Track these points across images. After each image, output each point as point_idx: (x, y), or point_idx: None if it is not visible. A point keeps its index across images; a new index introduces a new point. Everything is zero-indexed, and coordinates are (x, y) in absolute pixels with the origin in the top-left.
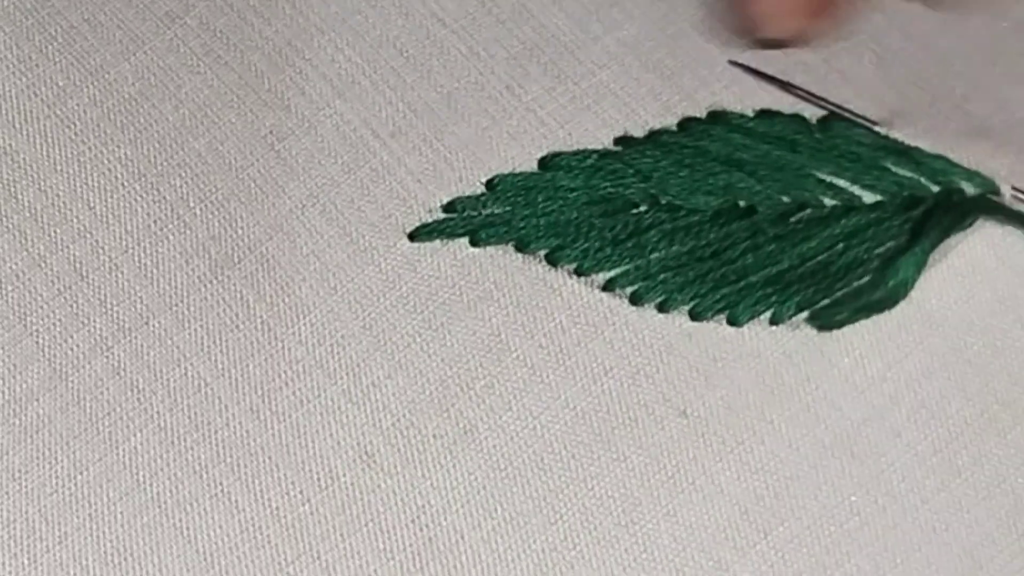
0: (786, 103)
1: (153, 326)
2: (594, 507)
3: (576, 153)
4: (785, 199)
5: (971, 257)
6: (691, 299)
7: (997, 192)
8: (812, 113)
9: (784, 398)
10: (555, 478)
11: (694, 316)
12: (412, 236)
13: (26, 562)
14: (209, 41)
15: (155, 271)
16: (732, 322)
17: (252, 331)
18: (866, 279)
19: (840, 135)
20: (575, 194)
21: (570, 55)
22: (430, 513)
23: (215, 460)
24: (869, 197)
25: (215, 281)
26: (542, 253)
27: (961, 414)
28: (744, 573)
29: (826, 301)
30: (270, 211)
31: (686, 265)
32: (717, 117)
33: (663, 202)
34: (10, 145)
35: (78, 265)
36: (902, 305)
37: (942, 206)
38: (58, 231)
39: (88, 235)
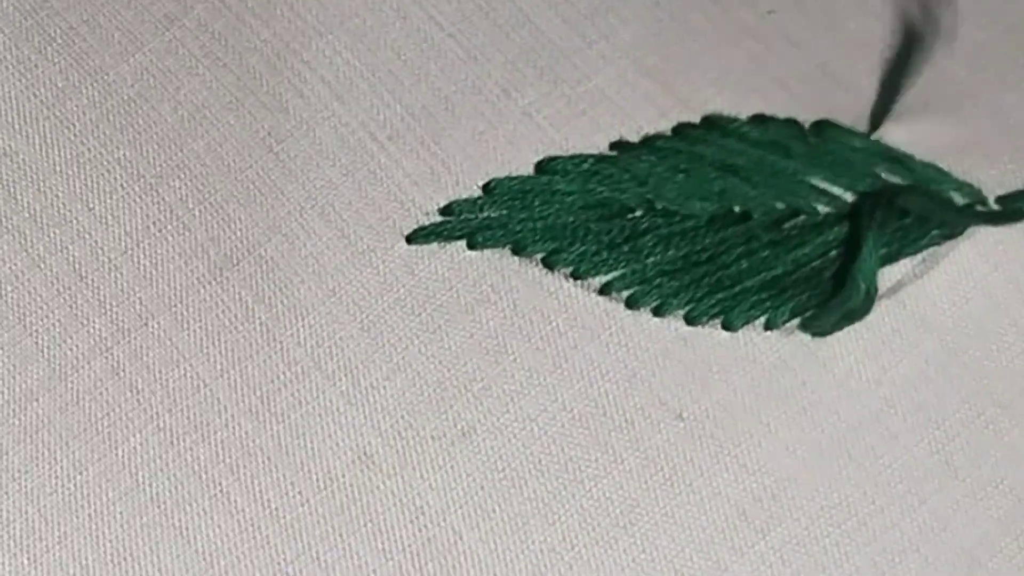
0: (779, 109)
1: (152, 327)
2: (592, 508)
3: (572, 157)
4: (779, 205)
5: (963, 263)
6: (686, 303)
7: (985, 202)
8: (806, 118)
9: (780, 401)
10: (553, 480)
11: (689, 320)
12: (409, 239)
13: (26, 562)
14: (208, 43)
15: (154, 272)
16: (727, 327)
17: (251, 332)
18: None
19: (833, 141)
20: (571, 198)
21: (566, 59)
22: (428, 514)
23: (214, 460)
24: None
25: (214, 282)
26: (539, 256)
27: (958, 416)
28: (742, 574)
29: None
30: (268, 213)
31: (681, 270)
32: (712, 123)
33: (659, 207)
34: (9, 146)
35: (77, 266)
36: (895, 310)
37: (881, 204)
38: (57, 232)
39: (87, 236)
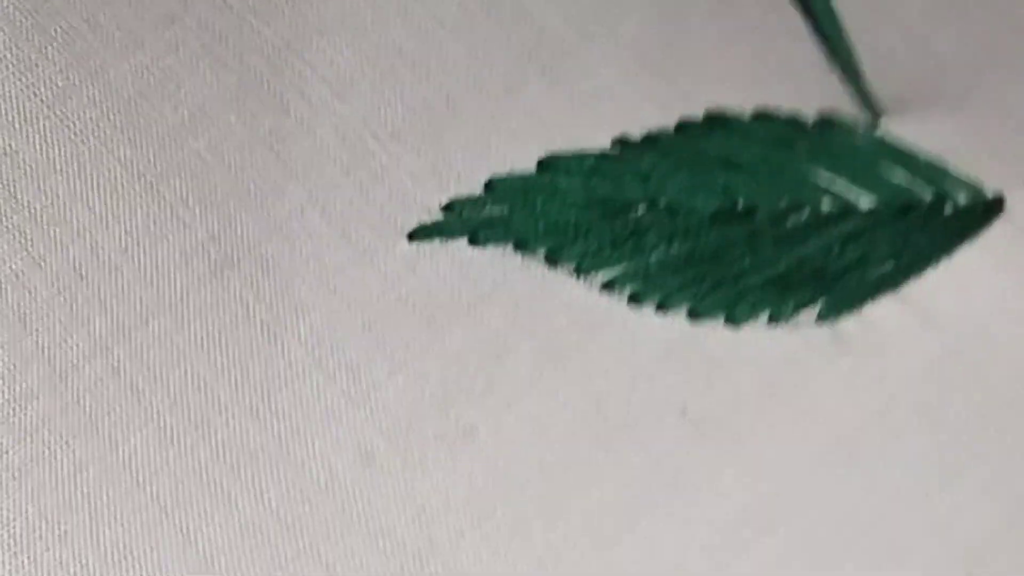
0: (783, 104)
1: (153, 326)
2: (594, 507)
3: (574, 154)
4: (783, 200)
5: (968, 261)
6: (690, 300)
7: (989, 200)
8: (809, 113)
9: (784, 398)
10: (555, 478)
11: (693, 316)
12: (411, 237)
13: (26, 561)
14: (208, 42)
15: (154, 272)
16: (730, 322)
17: (252, 331)
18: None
19: (837, 136)
20: (574, 195)
21: (568, 56)
22: (430, 513)
23: (215, 460)
24: (865, 200)
25: (215, 281)
26: (541, 253)
27: (961, 415)
28: (745, 573)
29: (824, 302)
30: (269, 212)
31: (685, 266)
32: (714, 118)
33: (661, 203)
34: (9, 145)
35: (77, 265)
36: (899, 308)
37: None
38: (57, 231)
39: (87, 235)
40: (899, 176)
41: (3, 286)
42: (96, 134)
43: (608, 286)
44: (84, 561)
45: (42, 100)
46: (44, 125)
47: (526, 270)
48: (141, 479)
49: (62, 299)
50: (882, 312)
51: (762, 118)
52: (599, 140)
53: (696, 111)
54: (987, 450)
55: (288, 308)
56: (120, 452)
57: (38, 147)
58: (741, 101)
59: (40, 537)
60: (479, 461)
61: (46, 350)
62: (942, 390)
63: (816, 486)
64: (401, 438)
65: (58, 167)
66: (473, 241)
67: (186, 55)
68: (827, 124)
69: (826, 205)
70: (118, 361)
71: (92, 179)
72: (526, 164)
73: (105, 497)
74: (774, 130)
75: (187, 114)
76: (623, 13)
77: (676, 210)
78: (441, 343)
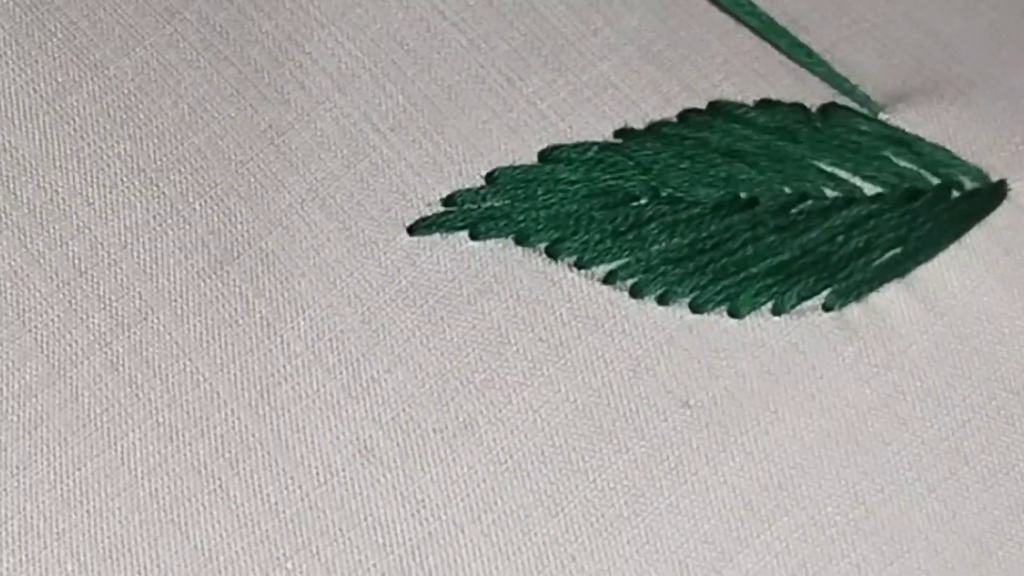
0: (785, 93)
1: (152, 321)
2: (596, 499)
3: (576, 146)
4: (786, 190)
5: (975, 247)
6: (692, 291)
7: (994, 186)
8: (812, 102)
9: (788, 387)
10: (556, 470)
11: (695, 308)
12: (412, 230)
13: (24, 558)
14: (208, 36)
15: (154, 266)
16: (733, 313)
17: (251, 326)
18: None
19: (840, 124)
20: (575, 187)
21: (571, 47)
22: (430, 507)
23: (214, 455)
24: (870, 188)
25: (214, 276)
26: (542, 246)
27: (968, 402)
28: (748, 563)
29: (829, 290)
30: (269, 206)
31: (687, 257)
32: (717, 108)
33: (664, 194)
34: (9, 141)
35: (77, 261)
36: (904, 294)
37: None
38: (57, 227)
39: (87, 230)
40: (903, 163)
41: (2, 281)
42: (96, 129)
43: (610, 278)
44: (82, 558)
45: (42, 95)
46: (44, 120)
47: (527, 263)
48: (139, 475)
49: (61, 294)
50: (888, 299)
51: (765, 107)
52: (601, 131)
53: (698, 102)
54: (995, 437)
55: (288, 302)
56: (118, 448)
57: (38, 142)
58: (743, 92)
59: (38, 534)
60: (479, 454)
61: (45, 345)
62: (949, 377)
63: (821, 475)
64: (400, 432)
65: (58, 162)
66: (474, 235)
67: (186, 49)
68: (830, 113)
69: (830, 193)
70: (117, 356)
71: (92, 174)
72: (527, 156)
73: (103, 493)
74: (777, 119)
75: (187, 109)
76: (625, 4)
77: (678, 201)
78: (441, 336)
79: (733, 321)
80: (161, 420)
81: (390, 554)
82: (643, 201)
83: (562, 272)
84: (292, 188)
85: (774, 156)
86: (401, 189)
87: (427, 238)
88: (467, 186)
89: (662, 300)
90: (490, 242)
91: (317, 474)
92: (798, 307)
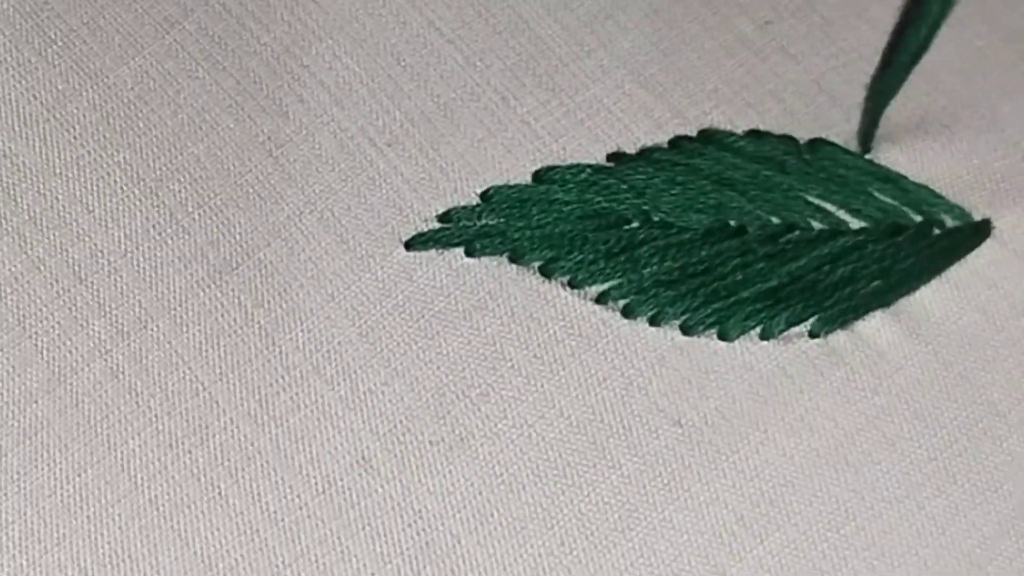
0: (774, 123)
1: (151, 330)
2: (590, 514)
3: (570, 167)
4: (775, 220)
5: (958, 279)
6: (682, 313)
7: (976, 224)
8: (801, 134)
9: (778, 408)
10: (550, 485)
11: (685, 330)
12: (408, 245)
13: (24, 564)
14: (208, 47)
15: (154, 275)
16: (723, 337)
17: (250, 336)
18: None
19: (828, 158)
20: (569, 208)
21: (564, 68)
22: (426, 518)
23: (213, 464)
24: (855, 222)
25: (213, 286)
26: (536, 265)
27: (955, 423)
28: None
29: (815, 317)
30: (268, 217)
31: (678, 281)
32: (708, 136)
33: (655, 219)
34: (9, 148)
35: (77, 268)
36: (890, 323)
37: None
38: (57, 234)
39: (87, 239)
40: (887, 200)
41: (2, 288)
42: (96, 138)
43: (602, 299)
44: (82, 564)
45: (42, 103)
46: (44, 128)
47: (521, 281)
48: (139, 482)
49: (61, 302)
50: (874, 327)
51: (754, 137)
52: (593, 153)
53: (689, 129)
54: (982, 457)
55: (286, 313)
56: (118, 455)
57: (38, 150)
58: (733, 118)
59: (38, 540)
60: (474, 467)
61: (45, 352)
62: (936, 400)
63: (810, 493)
64: (397, 443)
65: (58, 170)
66: (469, 252)
67: (185, 59)
68: (818, 147)
69: (816, 225)
70: (117, 364)
71: (91, 183)
72: (522, 175)
73: (103, 499)
74: (765, 150)
75: (186, 118)
76: (619, 27)
77: (670, 225)
78: (437, 350)
79: (723, 344)
80: (161, 428)
81: (387, 564)
82: (635, 224)
83: (555, 291)
84: (290, 200)
85: (763, 186)
86: (398, 204)
87: (423, 253)
88: (462, 203)
89: (653, 321)
90: (485, 259)
91: (315, 483)
92: (785, 332)
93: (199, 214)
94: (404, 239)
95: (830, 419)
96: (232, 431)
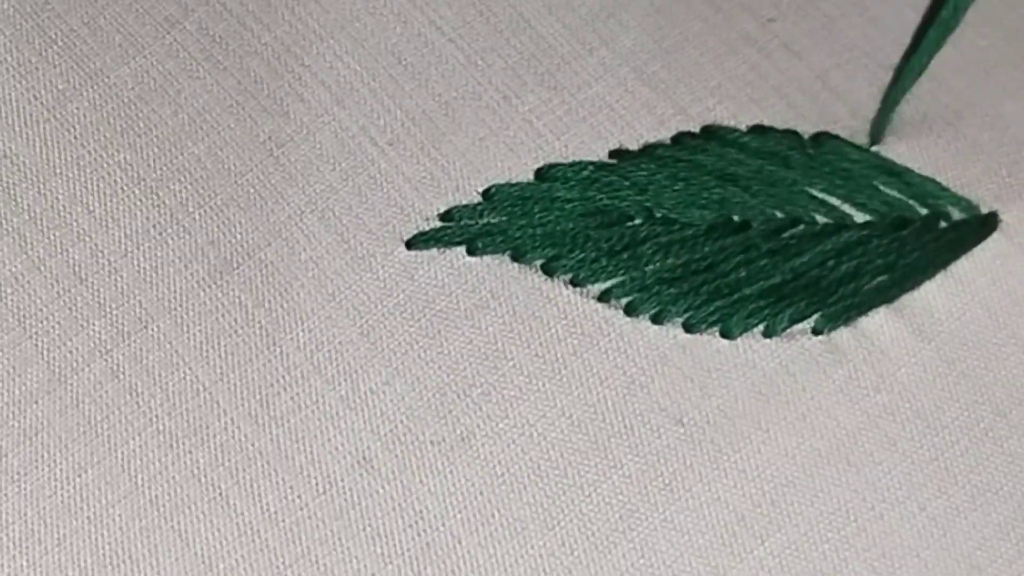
0: (778, 119)
1: (152, 330)
2: (591, 513)
3: (572, 165)
4: (778, 215)
5: (963, 276)
6: (685, 311)
7: (983, 217)
8: (805, 129)
9: (779, 407)
10: (552, 485)
11: (688, 328)
12: (409, 244)
13: (24, 564)
14: (208, 46)
15: (154, 275)
16: (725, 334)
17: (250, 336)
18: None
19: (832, 152)
20: (571, 205)
21: (566, 66)
22: (427, 518)
23: (213, 464)
24: (859, 216)
25: (214, 286)
26: (538, 263)
27: (957, 423)
28: None
29: (818, 314)
30: (268, 217)
31: (680, 278)
32: (711, 132)
33: (658, 215)
34: (10, 148)
35: (77, 268)
36: (893, 319)
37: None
38: (57, 234)
39: (87, 239)
40: (893, 193)
41: (3, 288)
42: (96, 137)
43: (605, 296)
44: (82, 565)
45: (42, 103)
46: (44, 128)
47: (523, 279)
48: (139, 483)
49: (61, 302)
50: (877, 324)
51: (758, 133)
52: (596, 151)
53: (692, 125)
54: (983, 458)
55: (287, 313)
56: (118, 455)
57: (38, 150)
58: (736, 116)
59: (39, 540)
60: (476, 467)
61: (45, 352)
62: (938, 399)
63: (812, 492)
64: (398, 443)
65: (58, 170)
66: (471, 251)
67: (186, 59)
68: (822, 141)
69: (821, 219)
70: (117, 364)
71: (92, 182)
72: (524, 173)
73: (104, 500)
74: (769, 145)
75: (187, 118)
76: (621, 24)
77: (672, 222)
78: (438, 349)
79: (725, 342)
80: (161, 428)
81: (388, 564)
82: (638, 221)
83: (558, 289)
84: (291, 200)
85: (767, 181)
86: (399, 203)
87: (424, 252)
88: (464, 202)
89: (656, 319)
90: (487, 258)
91: (316, 484)
92: (788, 330)
93: (200, 214)
94: (405, 238)
95: (832, 418)
96: (233, 431)
